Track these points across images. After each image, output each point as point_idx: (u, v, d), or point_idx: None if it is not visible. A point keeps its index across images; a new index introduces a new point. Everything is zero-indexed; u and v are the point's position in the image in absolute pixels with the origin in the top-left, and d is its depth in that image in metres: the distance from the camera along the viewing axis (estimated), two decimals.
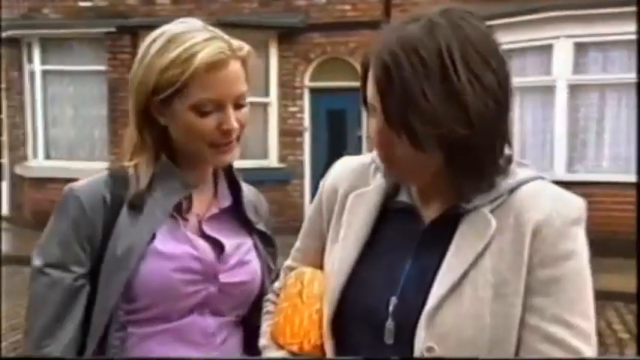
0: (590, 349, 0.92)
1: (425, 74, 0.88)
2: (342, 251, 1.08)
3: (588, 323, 0.94)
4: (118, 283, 1.16)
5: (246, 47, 1.23)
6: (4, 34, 9.32)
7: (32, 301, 1.19)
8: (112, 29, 9.00)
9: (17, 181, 9.88)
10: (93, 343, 1.17)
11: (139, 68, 1.22)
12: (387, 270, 1.03)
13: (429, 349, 0.94)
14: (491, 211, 0.98)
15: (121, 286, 1.16)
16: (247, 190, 1.38)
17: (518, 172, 1.01)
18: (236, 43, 1.22)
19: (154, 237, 1.19)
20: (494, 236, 0.96)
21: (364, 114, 7.72)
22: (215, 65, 1.16)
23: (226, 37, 1.22)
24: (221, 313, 1.26)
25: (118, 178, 1.24)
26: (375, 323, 1.00)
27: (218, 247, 1.26)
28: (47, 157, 9.55)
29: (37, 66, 9.45)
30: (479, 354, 0.93)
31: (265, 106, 9.02)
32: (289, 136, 9.14)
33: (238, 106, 1.22)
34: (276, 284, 1.25)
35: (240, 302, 1.29)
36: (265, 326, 1.19)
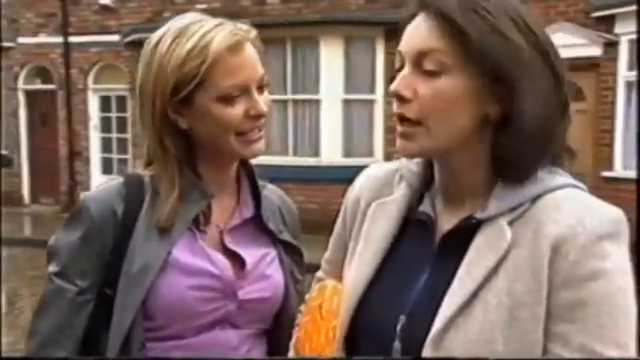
0: None
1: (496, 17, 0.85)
2: (359, 267, 1.00)
3: (625, 354, 0.80)
4: (134, 301, 1.10)
5: (254, 30, 1.16)
6: (129, 38, 9.89)
7: (39, 305, 1.16)
8: None
9: None
10: None
11: (149, 74, 1.13)
12: (402, 286, 0.95)
13: None
14: (511, 222, 0.86)
15: (137, 304, 1.10)
16: (273, 195, 1.31)
17: (544, 179, 0.88)
18: (244, 26, 1.15)
19: (170, 252, 1.13)
20: (509, 251, 0.84)
21: None
22: (234, 48, 1.10)
23: (232, 22, 1.15)
24: (242, 326, 1.20)
25: (132, 188, 1.16)
26: (382, 343, 0.92)
27: (239, 261, 1.19)
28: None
29: None
30: None
31: (371, 103, 9.00)
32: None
33: (261, 89, 1.15)
34: (307, 295, 1.15)
35: (262, 316, 1.22)
36: (294, 339, 1.11)
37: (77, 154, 10.99)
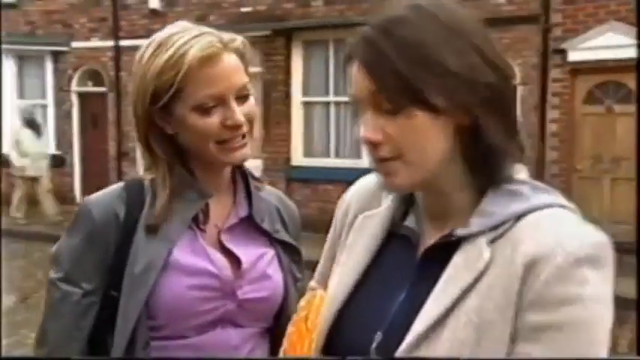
0: None
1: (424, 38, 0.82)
2: (339, 279, 0.98)
3: None
4: (137, 301, 1.12)
5: (239, 39, 1.17)
6: None
7: (46, 312, 1.18)
8: (268, 32, 9.37)
9: None
10: None
11: (135, 80, 1.17)
12: (381, 301, 0.92)
13: None
14: (492, 241, 0.83)
15: (140, 304, 1.12)
16: (270, 196, 1.31)
17: (530, 197, 0.85)
18: (227, 36, 1.17)
19: (172, 251, 1.15)
20: (485, 271, 0.81)
21: None
22: (208, 59, 1.12)
23: (217, 32, 1.17)
24: (244, 325, 1.21)
25: (133, 191, 1.20)
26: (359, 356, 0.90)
27: (236, 261, 1.20)
28: None
29: None
30: None
31: None
32: None
33: (242, 99, 1.16)
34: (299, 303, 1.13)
35: (263, 315, 1.24)
36: (281, 350, 1.08)
37: (125, 155, 11.22)
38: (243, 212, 1.25)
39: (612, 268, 0.79)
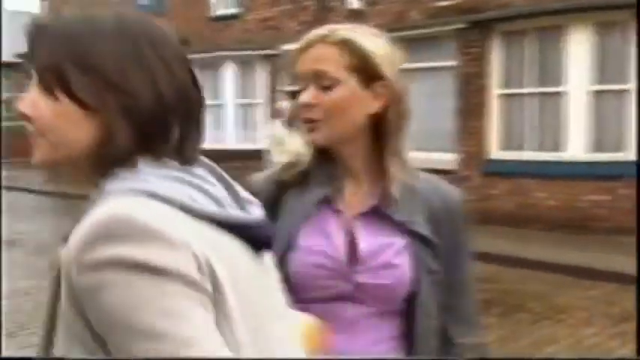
0: None
1: None
2: None
3: (170, 343, 0.71)
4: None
5: (341, 33, 1.21)
6: None
7: None
8: (464, 25, 9.16)
9: None
10: None
11: None
12: None
13: None
14: None
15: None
16: (425, 185, 1.29)
17: (108, 182, 0.81)
18: (329, 30, 1.22)
19: (300, 225, 1.23)
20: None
21: None
22: (302, 49, 1.23)
23: (338, 27, 1.23)
24: (363, 304, 1.23)
25: (289, 169, 1.30)
26: None
27: (359, 246, 1.23)
28: None
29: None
30: None
31: (622, 93, 8.12)
32: None
33: (324, 88, 1.21)
34: None
35: (384, 299, 1.24)
36: None
37: None
38: (375, 201, 1.26)
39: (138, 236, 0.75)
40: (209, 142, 13.10)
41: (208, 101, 13.16)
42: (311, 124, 1.23)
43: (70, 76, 0.84)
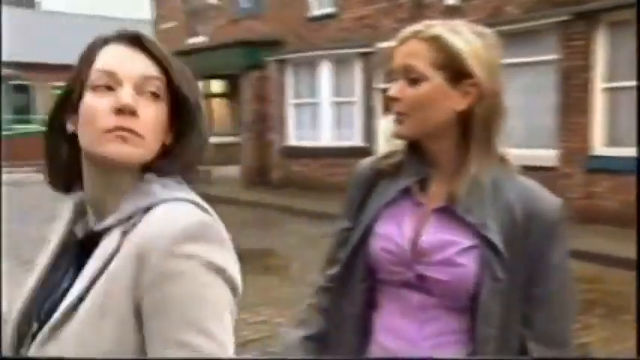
0: None
1: None
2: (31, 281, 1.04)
3: (211, 342, 0.84)
4: (352, 240, 1.35)
5: (432, 30, 1.22)
6: None
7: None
8: (568, 17, 8.75)
9: None
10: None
11: None
12: (45, 293, 1.00)
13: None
14: (125, 232, 0.92)
15: (354, 242, 1.34)
16: (512, 187, 1.23)
17: (155, 192, 0.94)
18: (424, 26, 1.24)
19: (381, 210, 1.30)
20: (112, 258, 0.90)
21: None
22: (397, 45, 1.26)
23: (432, 23, 1.25)
24: (429, 294, 1.25)
25: (385, 159, 1.36)
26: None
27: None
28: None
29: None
30: None
31: None
32: None
33: (411, 81, 1.23)
34: None
35: (448, 294, 1.24)
36: None
37: None
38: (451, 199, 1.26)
39: (216, 240, 0.90)
40: (305, 140, 13.39)
41: (305, 100, 13.39)
42: (398, 117, 1.25)
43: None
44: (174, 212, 0.91)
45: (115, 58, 0.94)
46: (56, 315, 0.92)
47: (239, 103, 15.76)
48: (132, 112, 0.92)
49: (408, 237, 1.26)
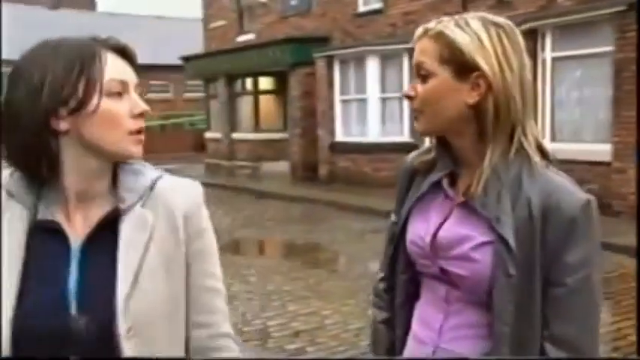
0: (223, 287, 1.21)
1: None
2: (6, 280, 1.04)
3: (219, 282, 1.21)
4: (391, 235, 1.42)
5: (437, 26, 1.23)
6: (521, 28, 9.79)
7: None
8: (622, 7, 8.44)
9: None
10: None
11: None
12: (49, 285, 1.07)
13: (129, 329, 1.04)
14: (143, 207, 1.12)
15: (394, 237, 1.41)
16: (534, 182, 1.18)
17: (144, 172, 1.15)
18: (434, 23, 1.26)
19: (415, 208, 1.34)
20: (154, 226, 1.11)
21: None
22: (415, 42, 1.27)
23: (442, 20, 1.26)
24: (455, 287, 1.27)
25: (421, 155, 1.38)
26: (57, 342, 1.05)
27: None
28: (553, 139, 9.69)
29: (548, 54, 9.62)
30: (164, 322, 1.10)
31: None
32: None
33: (421, 77, 1.24)
34: None
35: (468, 288, 1.25)
36: None
37: None
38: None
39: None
40: (353, 136, 13.36)
41: (352, 96, 13.35)
42: (415, 114, 1.28)
43: None
44: (182, 182, 1.19)
45: (121, 68, 1.09)
46: (124, 288, 1.05)
47: (287, 100, 15.86)
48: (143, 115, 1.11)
49: (431, 232, 1.29)
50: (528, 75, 1.22)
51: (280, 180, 14.65)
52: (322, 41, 13.88)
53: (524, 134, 1.21)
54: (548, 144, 8.87)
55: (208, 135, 19.21)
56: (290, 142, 15.28)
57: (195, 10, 22.04)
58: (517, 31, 1.23)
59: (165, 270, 1.10)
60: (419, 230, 1.31)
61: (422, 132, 1.29)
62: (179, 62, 20.02)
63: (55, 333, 1.03)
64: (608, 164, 8.52)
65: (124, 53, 1.10)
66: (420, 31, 1.26)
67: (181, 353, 1.14)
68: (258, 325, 5.00)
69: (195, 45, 20.46)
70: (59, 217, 1.09)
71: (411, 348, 1.37)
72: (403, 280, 1.39)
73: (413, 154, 1.42)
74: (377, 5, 13.10)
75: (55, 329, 1.03)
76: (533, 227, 1.17)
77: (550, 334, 1.19)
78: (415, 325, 1.37)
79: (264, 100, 17.36)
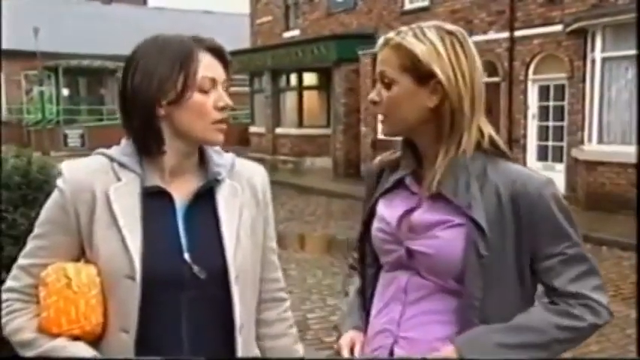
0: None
1: None
2: (129, 233, 1.23)
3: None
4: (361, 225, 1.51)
5: (397, 38, 1.31)
6: (572, 27, 9.55)
7: None
8: None
9: (572, 164, 10.10)
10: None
11: None
12: (169, 238, 1.28)
13: (236, 276, 1.28)
14: (229, 178, 1.36)
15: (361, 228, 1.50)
16: (499, 172, 1.30)
17: (222, 154, 1.38)
18: (392, 34, 1.34)
19: (379, 203, 1.42)
20: (242, 194, 1.35)
21: None
22: (378, 52, 1.37)
23: (400, 30, 1.34)
24: (418, 275, 1.34)
25: (389, 155, 1.48)
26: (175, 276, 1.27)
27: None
28: (600, 141, 9.43)
29: (598, 54, 9.37)
30: (252, 272, 1.36)
31: None
32: None
33: (384, 85, 1.34)
34: (18, 283, 1.28)
35: (434, 271, 1.31)
36: (22, 322, 1.26)
37: (515, 142, 11.21)
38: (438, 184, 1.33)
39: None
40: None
41: None
42: (381, 118, 1.40)
43: None
44: (251, 162, 1.45)
45: (213, 67, 1.28)
46: (229, 242, 1.29)
47: (331, 96, 15.86)
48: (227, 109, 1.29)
49: (396, 216, 1.37)
50: (479, 78, 1.33)
51: (322, 175, 14.67)
52: (367, 38, 13.82)
53: (481, 132, 1.34)
54: (594, 146, 8.63)
55: (252, 129, 19.40)
56: (333, 138, 15.30)
57: (243, 6, 22.25)
58: (468, 38, 1.34)
59: (252, 231, 1.35)
60: (385, 217, 1.40)
61: (386, 134, 1.40)
62: None
63: (174, 277, 1.25)
64: None
65: (218, 52, 1.29)
66: (381, 41, 1.37)
67: (256, 301, 1.39)
68: (298, 318, 5.04)
69: (242, 40, 20.65)
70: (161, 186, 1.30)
71: (370, 338, 1.42)
72: (371, 274, 1.47)
73: (384, 154, 1.51)
74: (423, 3, 12.98)
75: (174, 274, 1.25)
76: (502, 212, 1.28)
77: (553, 293, 1.30)
78: (375, 319, 1.42)
79: (308, 95, 17.41)
